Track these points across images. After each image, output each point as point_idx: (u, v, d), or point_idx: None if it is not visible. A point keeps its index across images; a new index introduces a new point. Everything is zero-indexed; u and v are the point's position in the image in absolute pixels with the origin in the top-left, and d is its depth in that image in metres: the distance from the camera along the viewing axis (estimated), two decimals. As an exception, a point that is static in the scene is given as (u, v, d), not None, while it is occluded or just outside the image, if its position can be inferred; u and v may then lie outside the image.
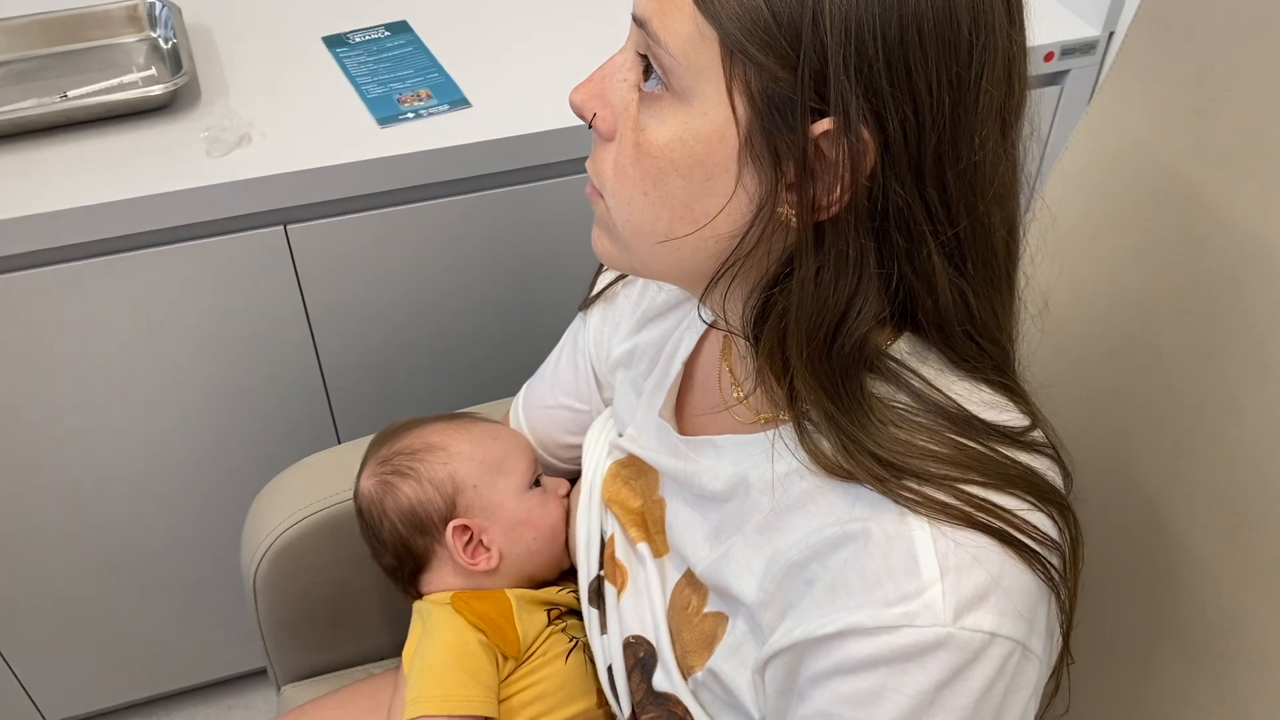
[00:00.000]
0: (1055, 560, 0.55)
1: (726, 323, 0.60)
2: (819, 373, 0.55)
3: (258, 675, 1.54)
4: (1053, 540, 0.55)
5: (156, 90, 1.07)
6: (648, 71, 0.53)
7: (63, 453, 1.16)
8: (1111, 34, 1.23)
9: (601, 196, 0.58)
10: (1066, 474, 0.59)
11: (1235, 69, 0.72)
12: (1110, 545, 0.79)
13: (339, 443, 1.27)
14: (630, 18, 0.55)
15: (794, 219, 0.52)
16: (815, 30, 0.47)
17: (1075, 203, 0.82)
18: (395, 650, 1.07)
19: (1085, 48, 1.23)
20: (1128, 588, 0.78)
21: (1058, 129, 1.29)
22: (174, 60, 1.15)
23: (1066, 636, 0.58)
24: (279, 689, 1.08)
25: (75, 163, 1.04)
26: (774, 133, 0.50)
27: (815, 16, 0.47)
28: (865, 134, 0.49)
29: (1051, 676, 0.59)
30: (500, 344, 1.26)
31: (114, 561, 1.29)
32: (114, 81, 1.12)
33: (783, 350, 0.56)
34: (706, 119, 0.51)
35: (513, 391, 1.04)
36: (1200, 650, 0.72)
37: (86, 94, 1.09)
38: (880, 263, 0.53)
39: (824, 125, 0.49)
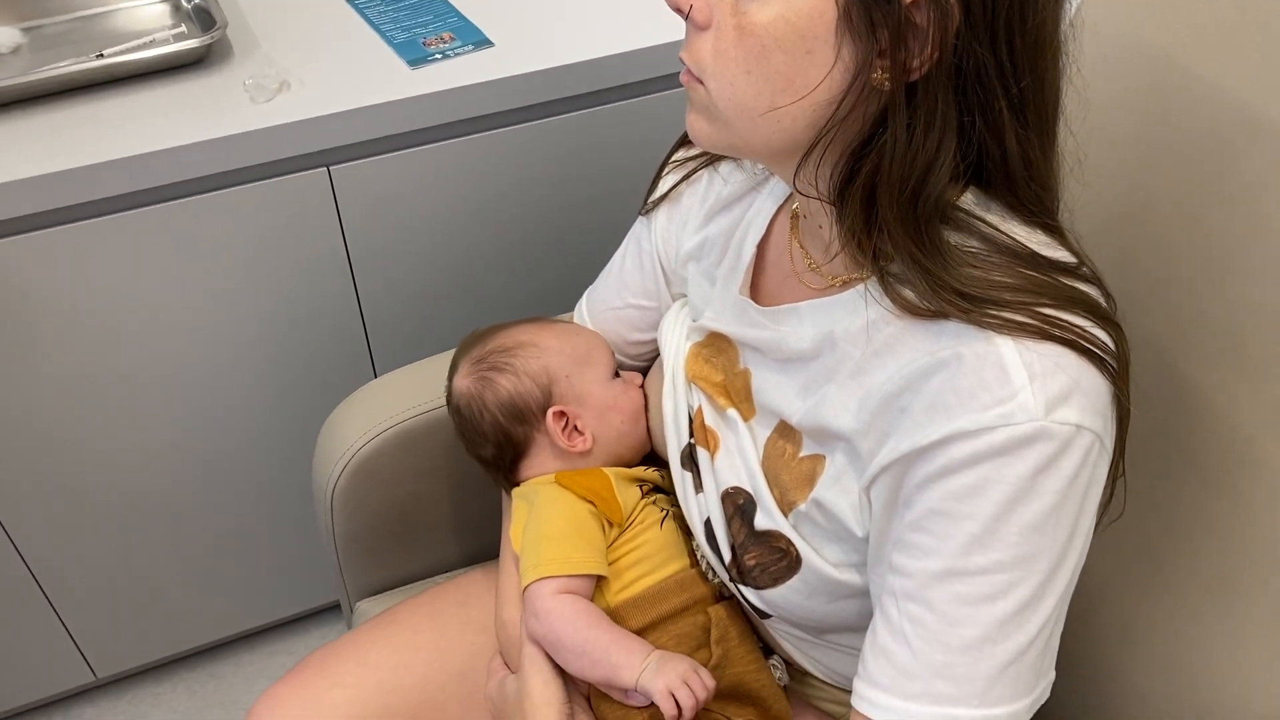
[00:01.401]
0: (1115, 368, 0.64)
1: (817, 191, 0.67)
2: (907, 223, 0.63)
3: (297, 621, 1.60)
4: (1113, 351, 0.64)
5: (194, 44, 1.12)
6: None
7: (111, 402, 1.21)
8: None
9: (700, 82, 0.65)
10: (1111, 300, 0.68)
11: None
12: (1132, 394, 0.88)
13: (376, 377, 1.33)
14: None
15: (886, 83, 0.59)
16: None
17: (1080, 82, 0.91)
18: (465, 561, 1.15)
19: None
20: (1146, 425, 0.86)
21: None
22: (201, 18, 1.19)
23: (1123, 444, 0.67)
24: (352, 606, 1.14)
25: (120, 116, 1.08)
26: (869, 4, 0.57)
27: None
28: (952, 0, 0.57)
29: (1107, 481, 0.68)
30: (533, 275, 1.32)
31: (160, 515, 1.33)
32: (147, 39, 1.16)
33: (869, 208, 0.64)
34: None
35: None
36: (1215, 475, 0.81)
37: (123, 50, 1.13)
38: (960, 117, 0.61)
39: None
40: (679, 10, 0.64)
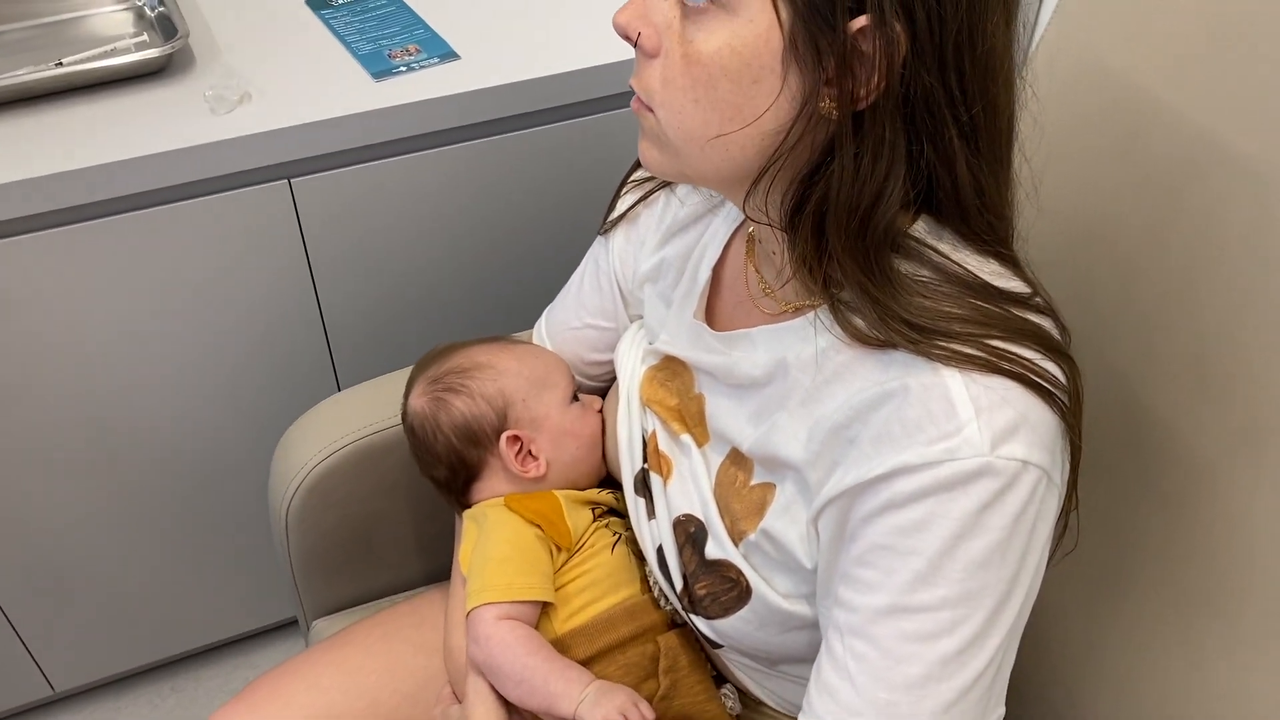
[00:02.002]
0: (1066, 403, 0.63)
1: (767, 217, 0.67)
2: (855, 253, 0.62)
3: (262, 635, 1.58)
4: (1063, 385, 0.63)
5: (154, 54, 1.10)
6: None
7: (68, 415, 1.19)
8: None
9: (650, 110, 0.64)
10: (1065, 332, 0.67)
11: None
12: (1091, 418, 0.87)
13: (339, 391, 1.31)
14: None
15: (834, 111, 0.59)
16: None
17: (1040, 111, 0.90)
18: (423, 580, 1.13)
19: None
20: (1109, 457, 0.86)
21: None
22: (163, 26, 1.18)
23: (1074, 476, 0.66)
24: (308, 625, 1.13)
25: (77, 126, 1.07)
26: (815, 32, 0.57)
27: None
28: (898, 27, 0.56)
29: (1060, 516, 0.67)
30: (496, 289, 1.31)
31: (118, 527, 1.31)
32: (108, 47, 1.14)
33: (819, 236, 0.63)
34: (752, 25, 0.58)
35: (514, 332, 1.10)
36: (1176, 499, 0.81)
37: (83, 59, 1.12)
38: (909, 145, 0.60)
39: (860, 22, 0.56)
40: (626, 38, 0.63)
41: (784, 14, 0.57)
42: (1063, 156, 0.88)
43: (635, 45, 0.63)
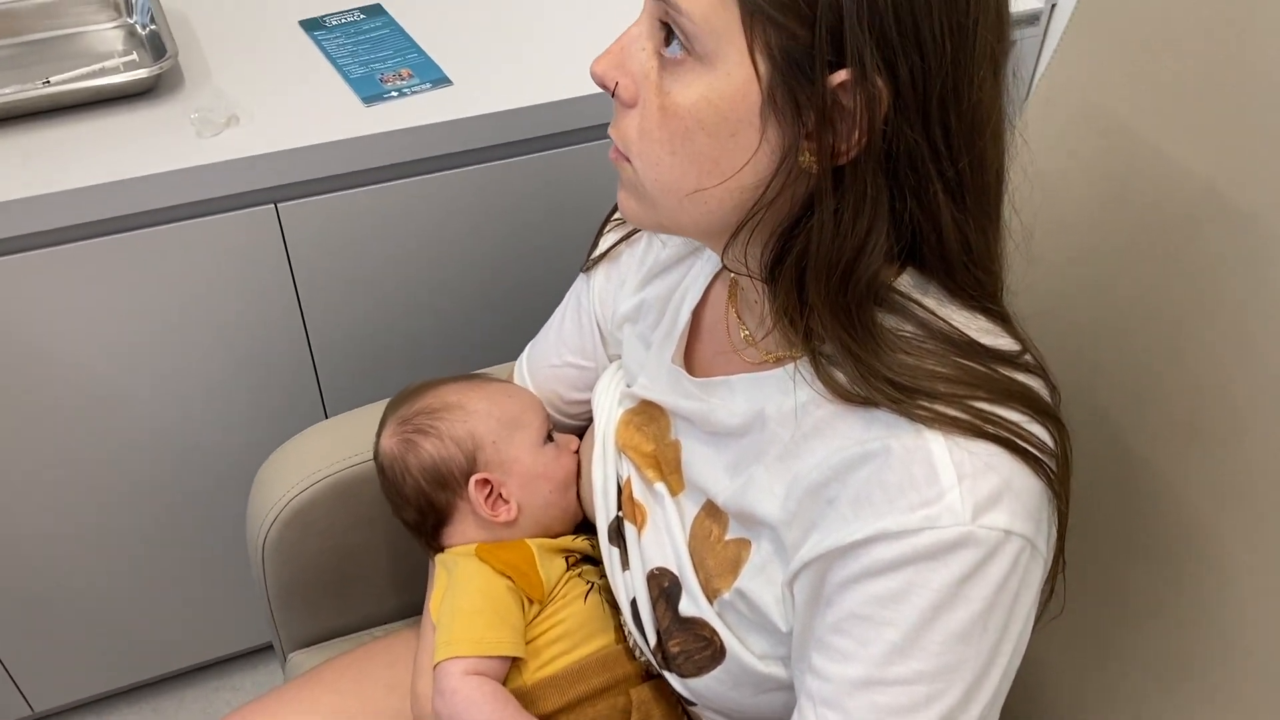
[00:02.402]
0: (1053, 468, 0.60)
1: (746, 269, 0.65)
2: (836, 308, 0.60)
3: (243, 657, 1.56)
4: (1050, 449, 0.60)
5: (143, 74, 1.09)
6: (668, 38, 0.58)
7: (50, 436, 1.17)
8: (1054, 6, 1.30)
9: (628, 160, 0.62)
10: (1055, 391, 0.65)
11: (1179, 31, 0.79)
12: (1083, 473, 0.85)
13: (326, 418, 1.30)
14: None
15: (814, 165, 0.57)
16: None
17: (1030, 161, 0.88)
18: (401, 614, 1.11)
19: (1030, 19, 1.30)
20: (1101, 513, 0.84)
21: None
22: (154, 45, 1.16)
23: (1061, 541, 0.64)
24: (285, 658, 1.11)
25: (63, 146, 1.05)
26: (794, 86, 0.55)
27: None
28: (879, 82, 0.54)
29: (1046, 581, 0.65)
30: (485, 316, 1.29)
31: (99, 547, 1.29)
32: (96, 67, 1.13)
33: (800, 289, 0.61)
34: (730, 79, 0.56)
35: (500, 362, 1.08)
36: (1168, 561, 0.79)
37: (70, 79, 1.10)
38: (892, 201, 0.58)
39: (841, 76, 0.54)
40: (604, 87, 0.61)
41: (762, 67, 0.55)
42: (1056, 203, 0.86)
43: (613, 95, 0.61)
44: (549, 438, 0.90)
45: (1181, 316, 0.77)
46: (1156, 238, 0.79)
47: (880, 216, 0.58)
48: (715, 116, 0.57)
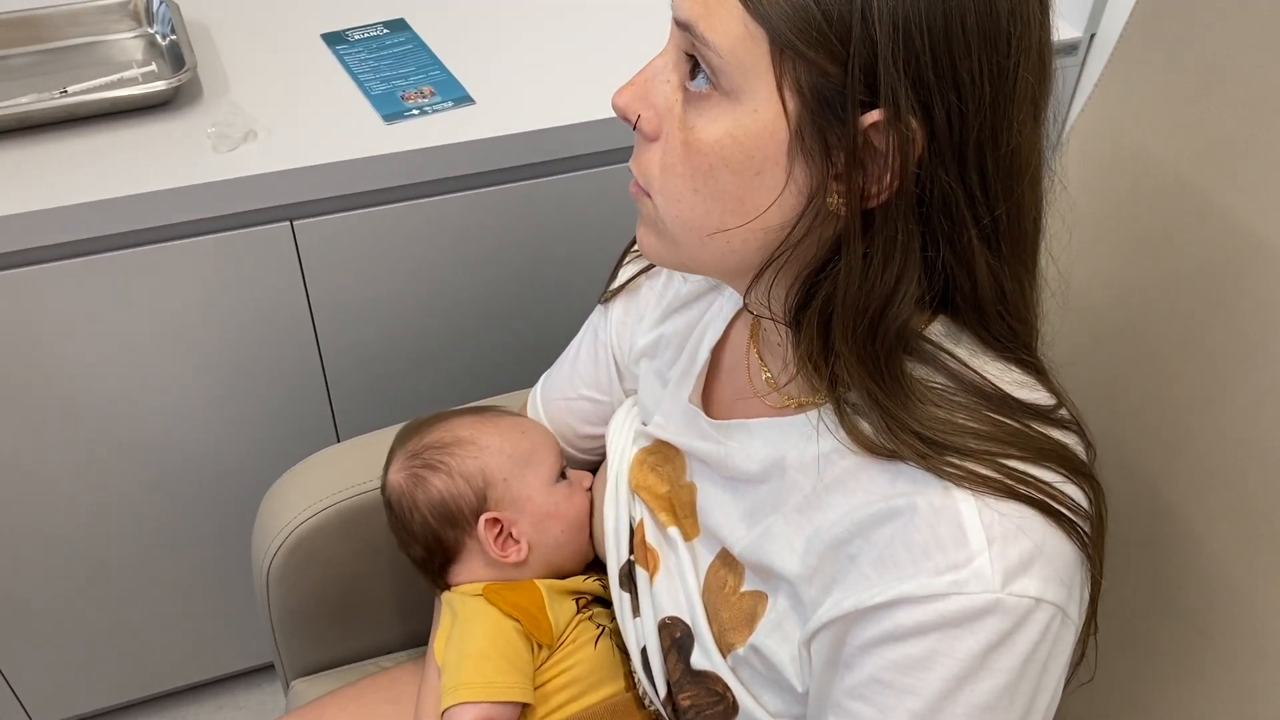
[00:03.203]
0: (1087, 530, 0.57)
1: (770, 311, 0.62)
2: (864, 356, 0.57)
3: (246, 675, 1.54)
4: (1085, 511, 0.57)
5: (160, 86, 1.07)
6: (694, 71, 0.55)
7: (60, 450, 1.16)
8: (1093, 36, 1.27)
9: (648, 195, 0.60)
10: (1090, 448, 0.62)
11: (1228, 69, 0.76)
12: (1115, 526, 0.82)
13: (338, 440, 1.28)
14: (672, 21, 0.57)
15: (843, 208, 0.54)
16: (865, 26, 0.50)
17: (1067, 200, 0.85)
18: (405, 644, 1.09)
19: (1067, 49, 1.27)
20: (1133, 567, 0.81)
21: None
22: (173, 56, 1.15)
23: (1094, 606, 0.61)
24: (287, 685, 1.09)
25: (79, 158, 1.04)
26: (824, 126, 0.52)
27: (864, 13, 0.50)
28: (914, 124, 0.51)
29: (1077, 644, 0.62)
30: (501, 341, 1.27)
31: (105, 562, 1.28)
32: (114, 77, 1.11)
33: (826, 335, 0.58)
34: (756, 115, 0.53)
35: (515, 389, 1.06)
36: (1205, 626, 0.75)
37: (88, 89, 1.09)
38: (924, 247, 0.55)
39: (873, 117, 0.51)
40: (626, 119, 0.59)
41: (790, 105, 0.52)
42: (1093, 249, 0.83)
43: (635, 127, 0.59)
44: (562, 475, 0.87)
45: (1219, 366, 0.74)
46: (1197, 285, 0.76)
47: (911, 263, 0.55)
48: (740, 154, 0.54)
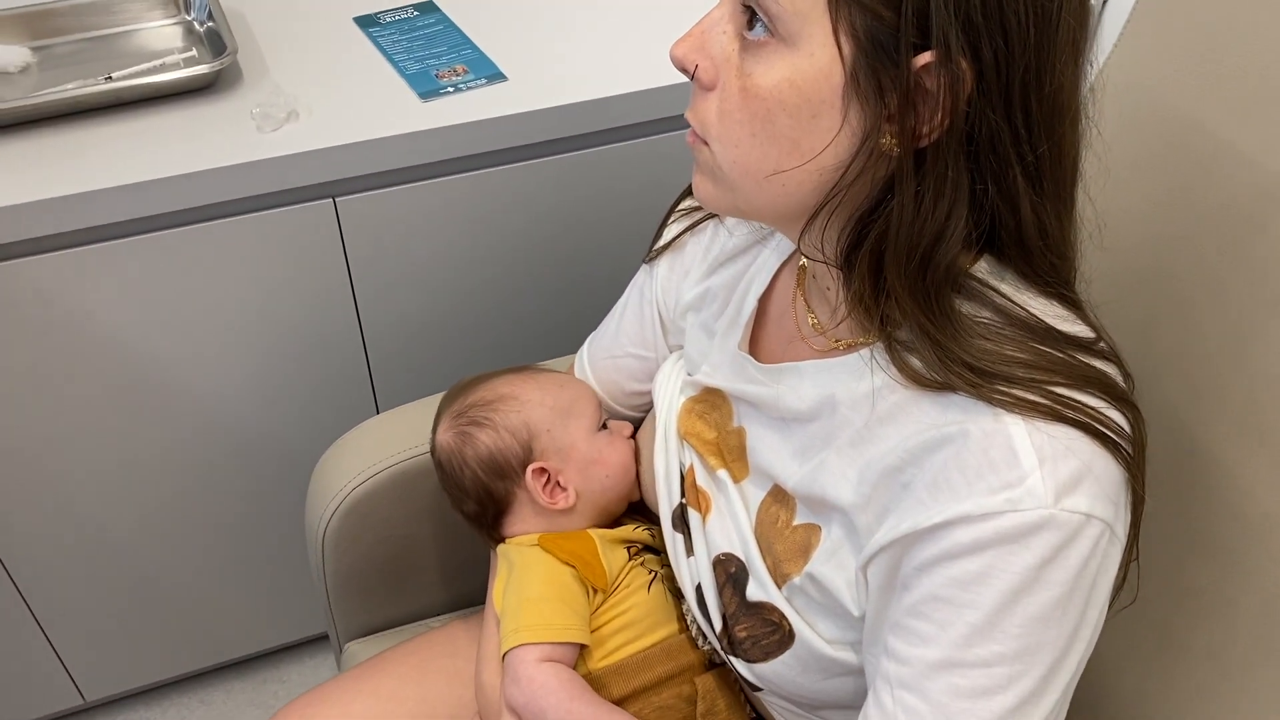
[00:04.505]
0: (1130, 452, 0.60)
1: (823, 254, 0.65)
2: (916, 292, 0.60)
3: (292, 649, 1.58)
4: (1128, 435, 0.60)
5: (203, 70, 1.10)
6: (751, 22, 0.58)
7: (108, 427, 1.19)
8: None
9: (705, 143, 0.63)
10: (1129, 378, 0.65)
11: (1252, 21, 0.78)
12: (1148, 463, 0.85)
13: (377, 413, 1.31)
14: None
15: (895, 148, 0.57)
16: None
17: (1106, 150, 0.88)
18: (456, 605, 1.12)
19: None
20: (1161, 501, 0.83)
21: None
22: (213, 42, 1.18)
23: (1136, 529, 0.64)
24: (340, 648, 1.12)
25: (125, 141, 1.07)
26: (878, 68, 0.55)
27: None
28: (963, 65, 0.54)
29: (1120, 567, 0.64)
30: (538, 311, 1.30)
31: (155, 539, 1.31)
32: (157, 62, 1.14)
33: (877, 274, 0.61)
34: (813, 60, 0.56)
35: (555, 356, 1.09)
36: (1233, 553, 0.78)
37: (131, 74, 1.12)
38: (972, 184, 0.58)
39: (925, 59, 0.54)
40: (684, 70, 0.62)
41: (846, 49, 0.55)
42: (1124, 196, 0.85)
43: (692, 78, 0.62)
44: (603, 426, 0.91)
45: (1249, 310, 0.76)
46: (1221, 231, 0.79)
47: (960, 200, 0.58)
48: (797, 98, 0.57)
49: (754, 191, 0.62)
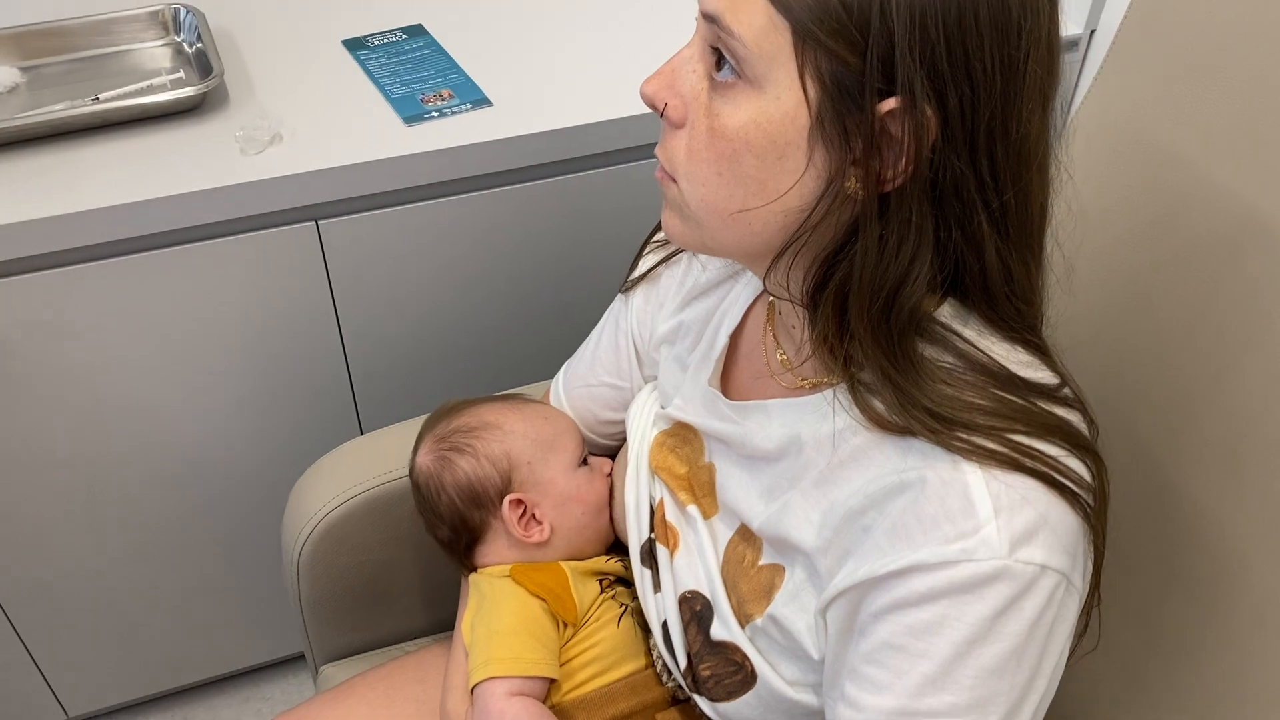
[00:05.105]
0: (1090, 502, 0.60)
1: (788, 293, 0.65)
2: (878, 335, 0.60)
3: (274, 666, 1.57)
4: (1087, 484, 0.60)
5: (189, 92, 1.11)
6: (719, 63, 0.58)
7: (93, 447, 1.19)
8: (1093, 32, 1.30)
9: (674, 180, 0.63)
10: (1093, 425, 0.65)
11: (1225, 57, 0.79)
12: (1122, 503, 0.84)
13: (361, 434, 1.31)
14: (699, 13, 0.60)
15: (860, 191, 0.57)
16: (883, 18, 0.53)
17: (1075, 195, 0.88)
18: (431, 629, 1.12)
19: (1069, 45, 1.30)
20: (1139, 544, 0.83)
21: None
22: (200, 63, 1.18)
23: (1097, 576, 0.64)
24: (316, 670, 1.12)
25: (111, 162, 1.07)
26: (843, 112, 0.55)
27: (883, 6, 0.53)
28: (929, 111, 0.54)
29: (1081, 615, 0.64)
30: (521, 336, 1.30)
31: (136, 556, 1.31)
32: (144, 84, 1.15)
33: (841, 315, 0.61)
34: (779, 102, 0.56)
35: (536, 381, 1.09)
36: (1205, 596, 0.78)
37: (119, 96, 1.12)
38: (937, 230, 0.58)
39: (890, 104, 0.54)
40: (653, 107, 0.62)
41: (812, 93, 0.55)
42: (1096, 230, 0.85)
43: (662, 115, 0.62)
44: (583, 462, 0.90)
45: (1221, 346, 0.76)
46: (1198, 264, 0.79)
47: (924, 244, 0.58)
48: (764, 139, 0.57)
49: (720, 229, 0.62)
